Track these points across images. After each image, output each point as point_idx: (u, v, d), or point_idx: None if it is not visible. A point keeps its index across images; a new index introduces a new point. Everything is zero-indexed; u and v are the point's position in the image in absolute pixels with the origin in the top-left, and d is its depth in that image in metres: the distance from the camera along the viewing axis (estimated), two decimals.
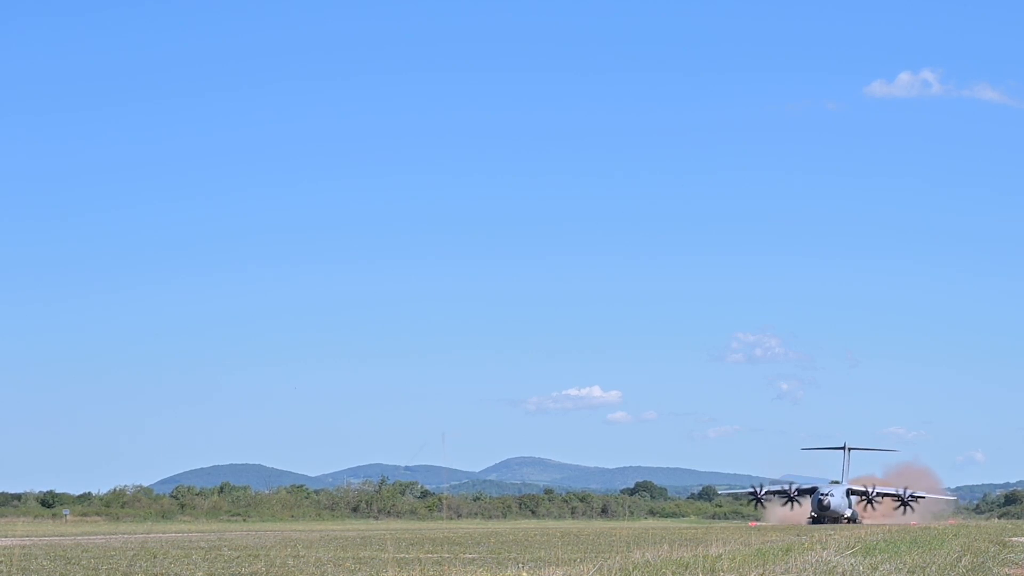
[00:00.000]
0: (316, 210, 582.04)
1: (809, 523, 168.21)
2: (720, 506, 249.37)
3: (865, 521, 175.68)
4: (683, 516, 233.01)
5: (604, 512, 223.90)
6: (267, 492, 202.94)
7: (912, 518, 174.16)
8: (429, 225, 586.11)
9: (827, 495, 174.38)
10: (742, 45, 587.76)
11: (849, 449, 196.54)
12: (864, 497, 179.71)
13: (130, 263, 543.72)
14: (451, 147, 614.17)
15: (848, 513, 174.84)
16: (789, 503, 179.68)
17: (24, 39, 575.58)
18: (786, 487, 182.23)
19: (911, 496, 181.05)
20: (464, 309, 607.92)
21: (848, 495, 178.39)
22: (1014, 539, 59.91)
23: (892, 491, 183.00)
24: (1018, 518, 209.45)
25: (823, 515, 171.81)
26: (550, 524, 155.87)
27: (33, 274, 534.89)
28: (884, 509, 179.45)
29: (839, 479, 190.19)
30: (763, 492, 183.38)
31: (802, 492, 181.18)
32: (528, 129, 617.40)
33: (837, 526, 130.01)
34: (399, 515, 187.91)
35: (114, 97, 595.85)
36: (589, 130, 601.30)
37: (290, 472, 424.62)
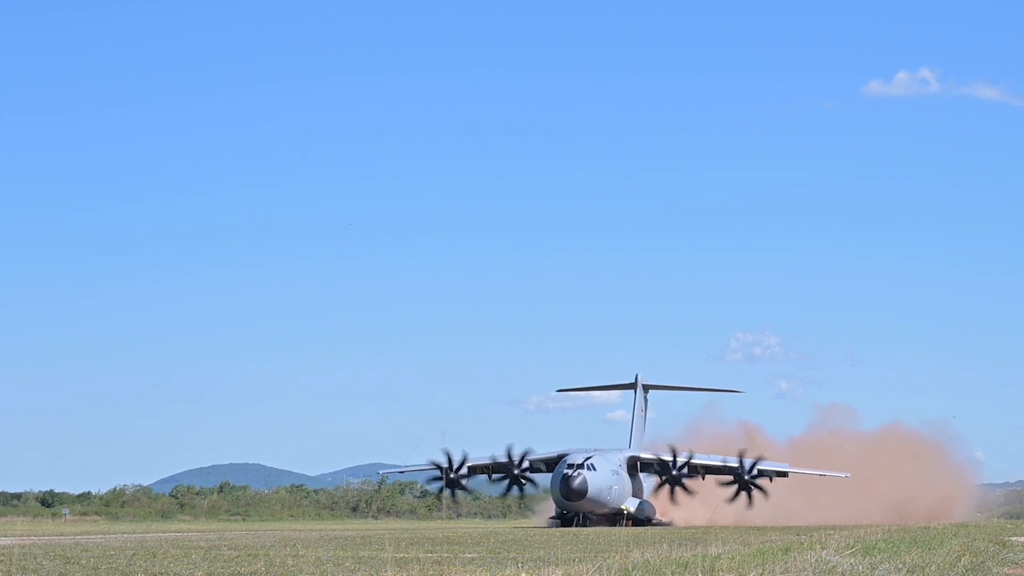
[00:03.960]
0: (315, 208, 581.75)
1: (551, 525, 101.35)
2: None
3: (670, 520, 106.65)
4: None
5: None
6: (267, 492, 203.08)
7: (770, 512, 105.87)
8: (428, 224, 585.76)
9: (579, 469, 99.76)
10: (739, 45, 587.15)
11: (647, 388, 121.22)
12: (664, 476, 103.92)
13: (129, 262, 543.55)
14: (447, 146, 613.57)
15: (628, 504, 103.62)
16: (510, 486, 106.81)
17: (19, 36, 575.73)
18: (516, 457, 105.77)
19: (759, 472, 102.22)
20: (464, 308, 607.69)
21: (632, 470, 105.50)
22: (1014, 539, 59.89)
23: (720, 462, 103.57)
24: (1018, 518, 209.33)
25: (573, 506, 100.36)
26: None
27: (31, 273, 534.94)
28: (711, 496, 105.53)
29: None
30: (458, 470, 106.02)
31: (536, 467, 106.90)
32: (527, 128, 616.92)
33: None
34: (399, 515, 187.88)
35: (113, 96, 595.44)
36: (586, 129, 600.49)
37: (290, 472, 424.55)
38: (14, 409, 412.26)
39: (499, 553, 46.22)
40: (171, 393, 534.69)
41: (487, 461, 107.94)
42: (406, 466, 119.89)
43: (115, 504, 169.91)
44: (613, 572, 29.67)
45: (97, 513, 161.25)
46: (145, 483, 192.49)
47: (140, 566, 38.31)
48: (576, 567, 32.04)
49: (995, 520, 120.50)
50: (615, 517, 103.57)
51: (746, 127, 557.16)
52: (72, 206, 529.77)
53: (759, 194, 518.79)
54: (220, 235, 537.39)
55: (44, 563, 39.80)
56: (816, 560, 34.65)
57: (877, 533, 58.59)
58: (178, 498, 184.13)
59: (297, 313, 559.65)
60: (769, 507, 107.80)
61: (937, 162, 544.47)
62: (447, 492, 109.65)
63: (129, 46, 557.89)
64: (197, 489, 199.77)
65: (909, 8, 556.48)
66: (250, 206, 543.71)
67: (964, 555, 40.06)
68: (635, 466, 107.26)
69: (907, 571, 31.93)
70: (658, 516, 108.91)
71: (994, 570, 34.11)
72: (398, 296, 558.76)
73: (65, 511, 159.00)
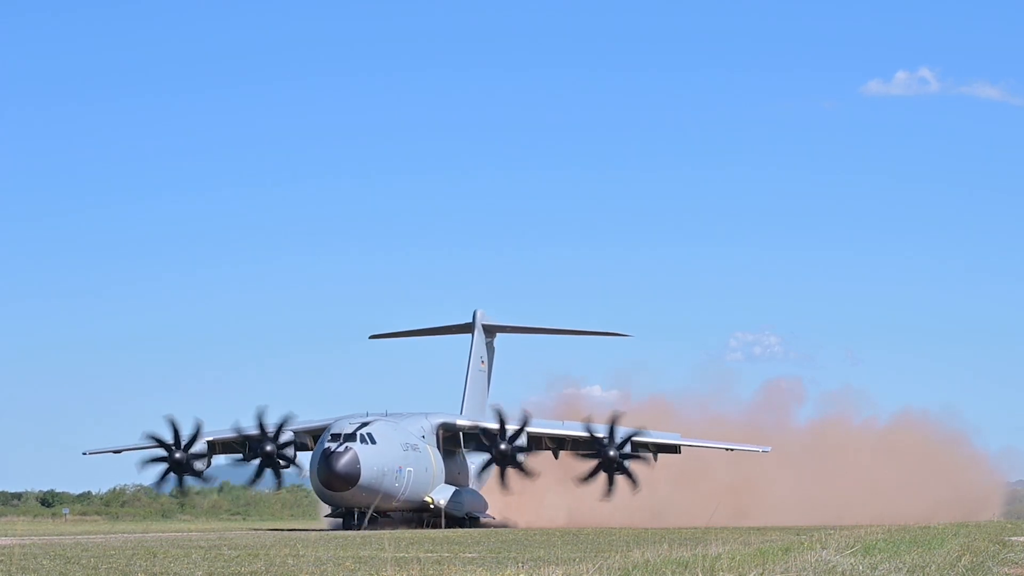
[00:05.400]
0: (313, 206, 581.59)
1: (332, 525, 78.48)
2: None
3: (507, 521, 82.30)
4: None
5: None
6: (267, 491, 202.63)
7: (767, 510, 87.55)
8: (427, 220, 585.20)
9: (349, 442, 73.10)
10: (737, 44, 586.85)
11: (490, 330, 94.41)
12: (497, 453, 76.25)
13: (129, 261, 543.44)
14: (443, 143, 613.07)
15: (436, 495, 77.38)
16: (262, 469, 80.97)
17: (19, 36, 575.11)
18: (271, 427, 78.84)
19: (634, 447, 76.72)
20: (463, 307, 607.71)
21: (452, 444, 79.67)
22: (1014, 539, 59.89)
23: (575, 432, 77.95)
24: (1018, 518, 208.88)
25: (338, 497, 73.75)
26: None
27: (31, 272, 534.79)
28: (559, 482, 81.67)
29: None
30: (189, 447, 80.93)
31: (302, 442, 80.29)
32: (526, 127, 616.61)
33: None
34: None
35: (113, 95, 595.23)
36: (582, 127, 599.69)
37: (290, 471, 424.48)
38: (14, 409, 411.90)
39: (499, 553, 46.25)
40: (171, 392, 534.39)
41: (230, 434, 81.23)
42: (120, 446, 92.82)
43: (115, 504, 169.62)
44: (613, 572, 29.67)
45: (97, 513, 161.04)
46: (145, 483, 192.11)
47: (140, 566, 38.32)
48: (576, 567, 32.04)
49: (995, 520, 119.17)
50: (421, 514, 77.37)
51: (744, 126, 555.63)
52: (72, 206, 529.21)
53: (758, 194, 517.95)
54: (220, 235, 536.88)
55: (44, 563, 39.81)
56: (816, 560, 34.66)
57: (877, 533, 58.59)
58: (178, 497, 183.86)
59: (296, 312, 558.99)
60: (767, 504, 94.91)
61: (937, 162, 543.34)
62: (173, 479, 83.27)
63: (128, 45, 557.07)
64: (197, 488, 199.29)
65: (909, 8, 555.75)
66: (250, 206, 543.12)
67: (964, 555, 40.05)
68: (456, 439, 78.83)
69: (907, 571, 31.94)
70: (489, 512, 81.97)
71: (994, 570, 34.13)
72: (398, 296, 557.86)
73: (65, 511, 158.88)
